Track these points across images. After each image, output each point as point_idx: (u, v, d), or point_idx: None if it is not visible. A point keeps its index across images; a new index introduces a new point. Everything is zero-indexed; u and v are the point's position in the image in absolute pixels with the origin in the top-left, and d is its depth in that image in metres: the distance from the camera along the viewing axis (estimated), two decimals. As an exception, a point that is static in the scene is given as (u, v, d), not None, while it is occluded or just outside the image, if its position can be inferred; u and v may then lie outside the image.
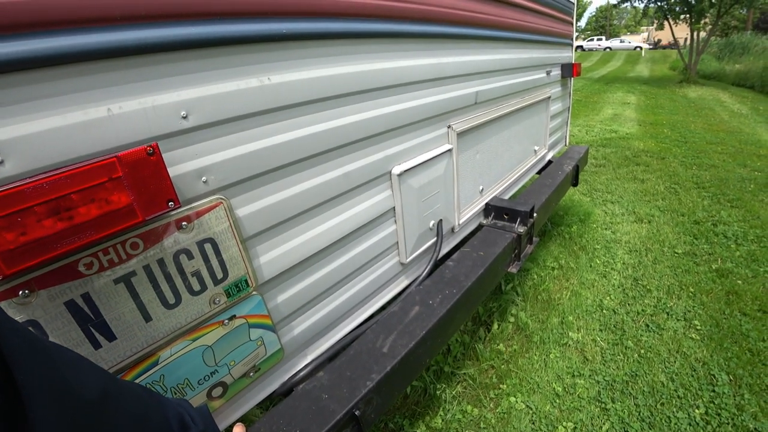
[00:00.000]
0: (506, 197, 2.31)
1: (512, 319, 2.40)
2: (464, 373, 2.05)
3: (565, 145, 3.56)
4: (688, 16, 14.75)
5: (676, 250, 3.08)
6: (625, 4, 17.13)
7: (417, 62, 1.33)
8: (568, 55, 3.22)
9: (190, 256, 0.88)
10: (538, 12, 2.30)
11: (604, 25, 40.58)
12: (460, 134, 1.64)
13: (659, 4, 15.48)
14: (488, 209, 1.99)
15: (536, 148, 2.66)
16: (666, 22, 16.16)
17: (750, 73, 14.10)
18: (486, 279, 1.60)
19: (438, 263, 1.67)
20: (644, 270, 2.86)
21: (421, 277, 1.54)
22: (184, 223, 0.85)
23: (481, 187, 1.94)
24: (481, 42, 1.69)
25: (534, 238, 2.09)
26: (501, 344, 2.22)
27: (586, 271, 2.87)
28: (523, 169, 2.47)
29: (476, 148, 1.82)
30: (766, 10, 13.97)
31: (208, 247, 0.90)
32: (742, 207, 3.83)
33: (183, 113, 0.79)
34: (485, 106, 1.82)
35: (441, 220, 1.63)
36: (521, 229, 1.84)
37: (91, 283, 0.76)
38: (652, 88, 13.65)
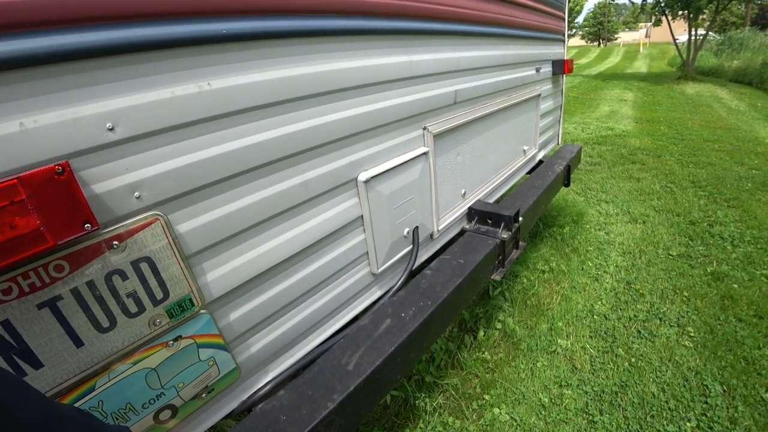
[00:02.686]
0: (493, 200, 2.23)
1: (499, 326, 2.33)
2: (447, 383, 1.97)
3: (558, 143, 3.48)
4: (686, 12, 14.64)
5: (670, 252, 3.01)
6: (624, 0, 16.94)
7: (386, 60, 1.24)
8: (560, 51, 3.14)
9: (124, 277, 0.80)
10: (525, 6, 2.21)
11: (602, 21, 40.41)
12: (438, 136, 1.56)
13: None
14: (471, 213, 1.91)
15: (525, 147, 2.58)
16: (664, 18, 16.04)
17: (748, 70, 14.00)
18: (465, 289, 1.52)
19: (415, 272, 1.59)
20: (638, 273, 2.79)
21: (395, 288, 1.46)
22: (115, 242, 0.77)
23: (463, 191, 1.86)
24: (461, 38, 1.60)
25: (521, 243, 2.01)
26: (486, 352, 2.15)
27: (577, 274, 2.80)
28: (511, 170, 2.39)
29: (457, 150, 1.74)
30: (764, 6, 13.87)
31: (144, 266, 0.82)
32: (739, 207, 3.75)
33: (109, 125, 0.71)
34: (466, 106, 1.73)
35: (417, 227, 1.55)
36: (505, 235, 1.76)
37: (11, 310, 0.70)
38: (650, 84, 13.56)
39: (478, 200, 1.97)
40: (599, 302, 2.53)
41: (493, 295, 2.52)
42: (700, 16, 14.81)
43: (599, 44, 45.58)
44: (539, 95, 2.68)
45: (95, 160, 0.70)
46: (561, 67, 2.97)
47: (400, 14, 1.26)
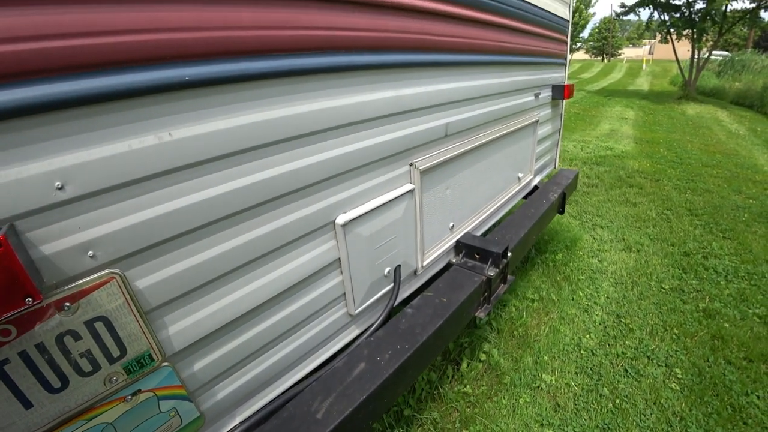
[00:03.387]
0: (484, 229, 2.20)
1: (483, 357, 2.28)
2: (426, 417, 1.93)
3: (555, 167, 3.45)
4: (690, 32, 14.69)
5: (663, 285, 2.97)
6: (628, 16, 17.03)
7: (369, 97, 1.20)
8: (561, 75, 3.10)
9: (77, 337, 0.76)
10: (524, 32, 2.17)
11: (606, 36, 40.64)
12: (426, 172, 1.52)
13: (662, 18, 15.41)
14: (459, 246, 1.87)
15: (520, 174, 2.54)
16: (668, 38, 16.10)
17: (749, 92, 14.03)
18: (446, 330, 1.48)
19: (398, 307, 1.55)
20: (628, 306, 2.75)
21: (373, 328, 1.42)
22: (66, 303, 0.73)
23: (451, 224, 1.82)
24: (453, 68, 1.56)
25: (509, 277, 1.97)
26: (468, 385, 2.10)
27: (567, 304, 2.76)
28: (504, 199, 2.35)
29: (446, 184, 1.70)
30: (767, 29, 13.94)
31: (99, 325, 0.78)
32: (735, 239, 3.72)
33: (58, 183, 0.66)
34: (458, 138, 1.69)
35: (399, 265, 1.51)
36: (492, 272, 1.72)
37: (-47, 374, 0.65)
38: (651, 103, 13.58)
39: (467, 233, 1.93)
40: (587, 335, 2.49)
41: (479, 324, 2.48)
42: (704, 38, 14.86)
43: (603, 59, 45.85)
44: (537, 121, 2.64)
45: (43, 220, 0.66)
46: (561, 93, 2.93)
47: (384, 47, 1.21)
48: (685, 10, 14.36)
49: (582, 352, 2.36)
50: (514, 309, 2.66)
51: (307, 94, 1.01)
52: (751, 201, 4.69)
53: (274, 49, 0.92)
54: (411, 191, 1.45)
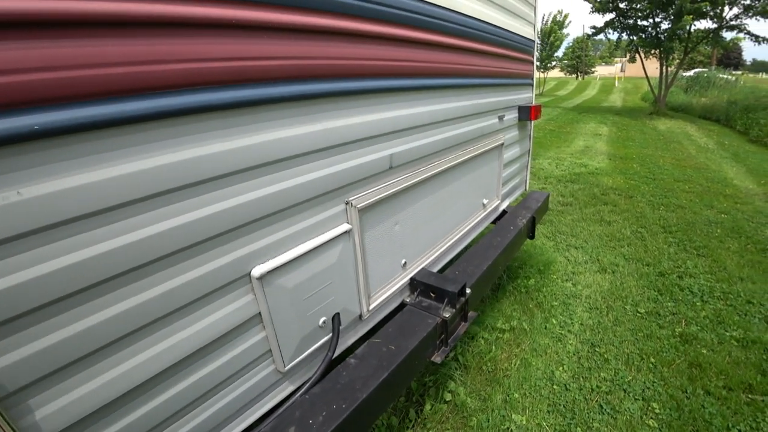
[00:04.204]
0: (444, 262, 2.05)
1: (449, 397, 2.11)
2: (387, 474, 1.74)
3: (525, 190, 3.36)
4: (658, 51, 15.21)
5: (639, 309, 2.86)
6: (599, 36, 17.60)
7: (286, 133, 1.05)
8: (528, 96, 3.04)
9: None
10: (482, 53, 2.09)
11: (580, 55, 42.01)
12: (366, 209, 1.38)
13: (631, 38, 15.95)
14: (414, 284, 1.72)
15: (485, 201, 2.42)
16: (637, 56, 16.65)
17: (715, 107, 14.56)
18: (393, 382, 1.32)
19: (343, 356, 1.39)
20: (603, 333, 2.62)
21: (308, 384, 1.24)
22: None
23: (403, 261, 1.67)
24: (397, 94, 1.44)
25: (470, 314, 1.82)
26: (432, 430, 1.92)
27: (540, 334, 2.62)
28: (468, 227, 2.23)
29: (395, 219, 1.56)
30: (728, 48, 14.55)
31: None
32: (709, 256, 3.67)
33: None
34: (406, 169, 1.56)
35: (337, 313, 1.35)
36: (448, 313, 1.57)
37: None
38: (624, 118, 13.90)
39: (423, 269, 1.78)
40: (561, 368, 2.34)
41: (445, 360, 2.31)
42: (671, 56, 15.41)
43: (577, 77, 47.23)
44: (502, 144, 2.55)
45: None
46: (527, 114, 2.86)
47: (305, 76, 1.08)
48: (651, 31, 14.90)
49: (555, 387, 2.21)
50: (482, 342, 2.51)
51: (205, 134, 0.87)
52: (722, 216, 4.69)
53: (167, 85, 0.78)
54: (347, 232, 1.30)
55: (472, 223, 2.27)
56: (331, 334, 1.34)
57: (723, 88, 17.42)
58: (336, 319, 1.35)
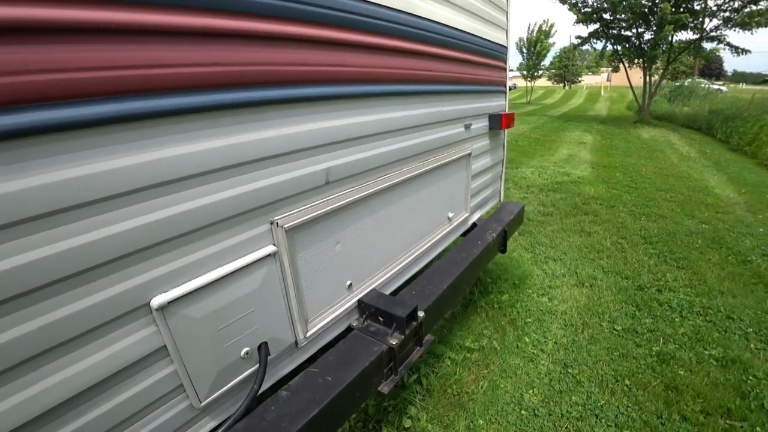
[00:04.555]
0: (401, 281, 1.91)
1: (409, 423, 1.95)
2: None
3: (499, 201, 3.24)
4: (641, 60, 15.41)
5: (615, 326, 2.74)
6: (585, 46, 17.79)
7: (193, 148, 0.91)
8: (500, 104, 2.93)
9: None
10: (445, 58, 1.96)
11: (567, 65, 42.58)
12: (296, 229, 1.23)
13: (615, 48, 16.14)
14: (362, 307, 1.57)
15: (451, 214, 2.29)
16: (622, 65, 16.86)
17: (697, 116, 14.76)
18: (327, 418, 1.16)
19: (277, 389, 1.23)
20: (577, 353, 2.49)
21: (230, 421, 1.09)
22: None
23: (348, 282, 1.52)
24: (334, 103, 1.30)
25: (426, 338, 1.67)
26: (391, 469, 1.77)
27: (511, 353, 2.47)
28: (429, 243, 2.08)
29: (335, 238, 1.41)
30: (710, 59, 14.80)
31: None
32: (689, 268, 3.58)
33: None
34: (347, 184, 1.42)
35: (264, 342, 1.19)
36: (395, 340, 1.42)
37: None
38: (609, 127, 13.98)
39: (373, 291, 1.64)
40: (530, 391, 2.20)
41: (407, 383, 2.16)
42: (654, 66, 15.62)
43: (564, 86, 47.84)
44: (470, 154, 2.42)
45: None
46: (498, 122, 2.74)
47: (214, 85, 0.94)
48: (635, 41, 15.10)
49: (523, 412, 2.06)
50: (448, 362, 2.36)
51: (98, 150, 0.73)
52: (703, 226, 4.63)
53: (43, 97, 0.64)
54: (272, 255, 1.15)
55: (436, 238, 2.13)
56: (257, 366, 1.18)
57: (705, 98, 17.71)
58: (263, 348, 1.20)
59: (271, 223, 1.16)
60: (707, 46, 14.30)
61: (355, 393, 1.30)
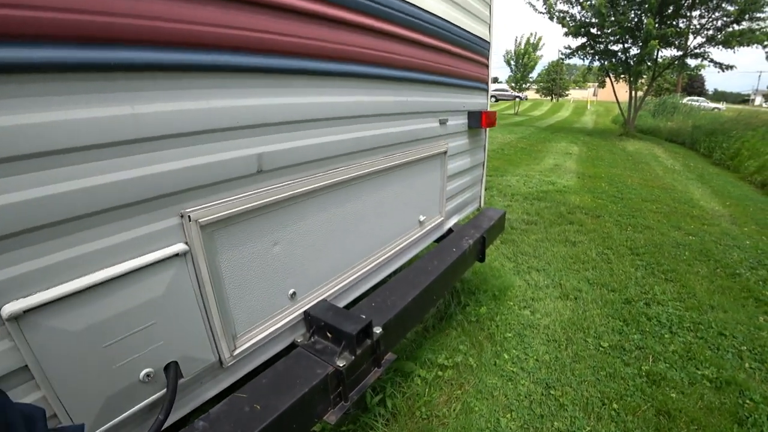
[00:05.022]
0: (361, 291, 1.67)
1: (371, 458, 1.71)
2: None
3: (480, 207, 3.04)
4: (627, 75, 15.57)
5: (601, 343, 2.53)
6: (571, 60, 17.94)
7: (64, 115, 0.69)
8: (481, 102, 2.74)
9: None
10: (413, 42, 1.76)
11: (555, 78, 43.23)
12: (217, 225, 0.99)
13: (602, 62, 16.29)
14: (310, 320, 1.34)
15: (422, 218, 2.07)
16: (608, 80, 17.03)
17: (681, 131, 14.94)
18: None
19: (189, 419, 0.99)
20: (560, 372, 2.27)
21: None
22: None
23: (291, 291, 1.28)
24: (271, 77, 1.08)
25: (386, 357, 1.44)
26: None
27: (488, 372, 2.25)
28: (396, 249, 1.86)
29: (272, 238, 1.17)
30: (693, 76, 15.06)
31: None
32: (678, 281, 3.41)
33: None
34: (285, 175, 1.18)
35: (174, 362, 0.95)
36: (342, 362, 1.18)
37: None
38: (595, 139, 14.01)
39: (323, 301, 1.40)
40: (508, 415, 1.97)
41: (370, 405, 1.91)
42: (639, 80, 15.80)
43: (552, 99, 48.49)
44: (446, 152, 2.22)
45: None
46: (478, 120, 2.55)
47: (91, 38, 0.71)
48: (621, 56, 15.26)
49: (500, 442, 1.83)
50: (418, 381, 2.12)
51: None
52: (690, 237, 4.50)
53: None
54: (182, 255, 0.92)
55: (403, 244, 1.90)
56: (165, 390, 0.94)
57: (688, 114, 18.01)
58: (171, 370, 0.95)
59: (181, 217, 0.92)
60: (692, 63, 14.51)
61: (290, 424, 1.06)
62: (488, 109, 2.82)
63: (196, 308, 1.00)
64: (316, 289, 1.39)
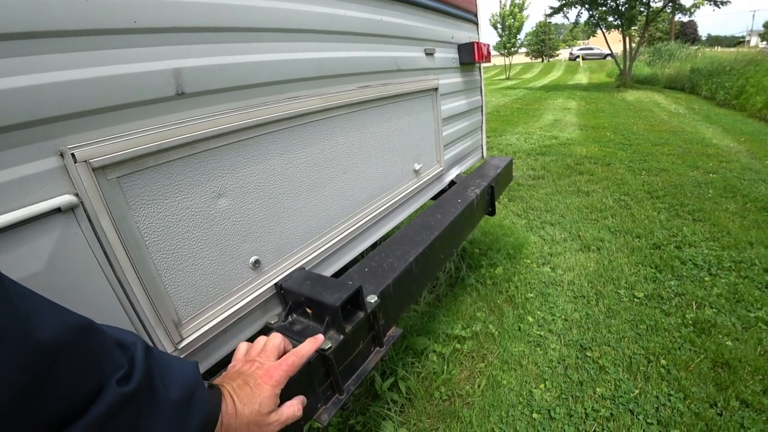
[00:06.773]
0: (350, 257, 1.37)
1: (386, 451, 1.44)
2: None
3: (482, 157, 2.72)
4: (619, 22, 14.96)
5: (635, 294, 2.24)
6: (557, 16, 17.28)
7: None
8: (470, 36, 2.38)
9: None
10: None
11: (544, 39, 42.07)
12: (117, 168, 0.68)
13: (591, 13, 15.66)
14: (283, 295, 1.04)
15: (417, 166, 1.75)
16: (599, 31, 16.41)
17: (679, 76, 14.41)
18: None
19: None
20: (594, 330, 1.99)
21: None
22: None
23: (254, 259, 0.98)
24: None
25: (390, 333, 1.15)
26: None
27: (512, 338, 1.96)
28: (389, 203, 1.54)
29: (214, 187, 0.86)
30: (686, 24, 14.47)
31: None
32: (707, 220, 3.10)
33: None
34: (221, 101, 0.86)
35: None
36: (327, 345, 0.89)
37: None
38: (592, 93, 13.55)
39: (300, 270, 1.10)
40: (542, 385, 1.69)
41: (380, 392, 1.63)
42: (632, 27, 15.19)
43: (542, 60, 47.36)
44: (436, 89, 1.89)
45: None
46: (470, 53, 2.20)
47: None
48: (612, 3, 14.63)
49: (534, 416, 1.55)
50: (434, 358, 1.84)
51: None
52: (711, 176, 4.17)
53: None
54: (70, 211, 0.61)
55: (398, 197, 1.59)
56: None
57: (684, 60, 17.38)
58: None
59: (62, 155, 0.61)
60: (686, 2, 13.88)
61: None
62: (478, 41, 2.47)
63: (106, 287, 0.69)
64: (289, 256, 1.09)
